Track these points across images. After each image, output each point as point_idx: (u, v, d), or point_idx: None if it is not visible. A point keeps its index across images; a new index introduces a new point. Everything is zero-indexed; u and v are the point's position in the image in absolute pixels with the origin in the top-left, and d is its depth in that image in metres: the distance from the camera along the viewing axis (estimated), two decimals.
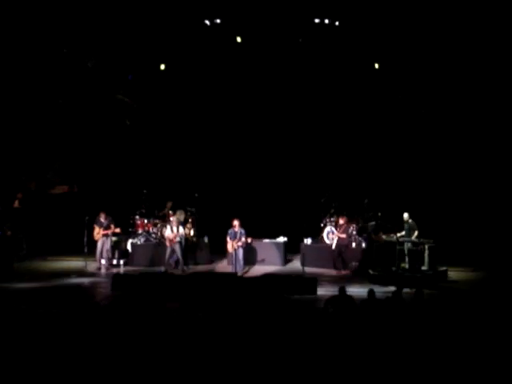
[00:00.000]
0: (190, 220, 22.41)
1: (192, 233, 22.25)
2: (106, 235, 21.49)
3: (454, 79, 21.91)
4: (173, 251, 20.94)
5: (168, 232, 21.03)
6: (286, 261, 22.62)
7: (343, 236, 21.02)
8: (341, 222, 21.20)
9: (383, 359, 11.93)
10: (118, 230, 21.76)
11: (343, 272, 20.89)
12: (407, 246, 20.21)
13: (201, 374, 11.53)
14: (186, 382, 11.35)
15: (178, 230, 20.90)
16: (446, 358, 12.02)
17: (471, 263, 21.29)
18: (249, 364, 11.81)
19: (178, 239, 20.89)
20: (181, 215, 22.22)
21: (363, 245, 21.36)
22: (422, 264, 19.83)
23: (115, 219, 21.75)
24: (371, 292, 14.15)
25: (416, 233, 20.23)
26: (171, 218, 21.42)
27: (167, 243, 20.90)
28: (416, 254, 19.83)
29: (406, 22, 21.12)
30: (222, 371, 11.59)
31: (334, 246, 21.15)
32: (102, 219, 21.48)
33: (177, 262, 21.49)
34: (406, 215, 20.59)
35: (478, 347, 12.42)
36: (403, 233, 20.48)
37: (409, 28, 21.25)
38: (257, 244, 22.24)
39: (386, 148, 23.80)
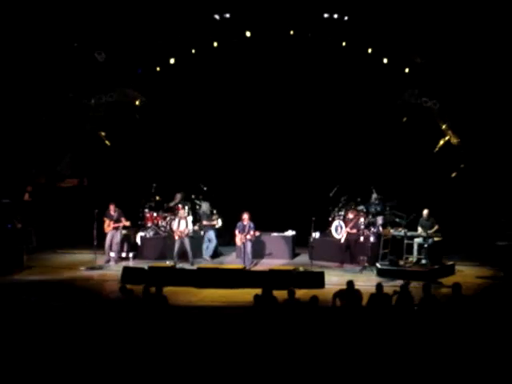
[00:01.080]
0: (215, 211, 22.41)
1: (220, 223, 22.36)
2: (116, 228, 21.59)
3: (464, 72, 21.83)
4: (182, 244, 21.01)
5: (175, 226, 21.13)
6: (295, 254, 22.62)
7: (353, 231, 21.09)
8: (350, 216, 21.28)
9: (390, 353, 12.01)
10: (127, 224, 21.83)
11: (349, 266, 20.94)
12: (425, 240, 20.19)
13: (208, 369, 11.65)
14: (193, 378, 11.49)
15: (187, 224, 20.97)
16: (452, 352, 12.10)
17: (478, 257, 21.35)
18: (255, 358, 11.91)
19: (187, 231, 20.96)
20: (207, 207, 22.25)
21: (371, 239, 21.35)
22: (440, 258, 20.00)
23: (125, 212, 21.81)
24: (379, 286, 14.20)
25: (436, 227, 20.35)
26: (180, 211, 21.47)
27: (176, 236, 20.98)
28: (434, 249, 19.95)
29: (414, 16, 21.07)
30: (228, 366, 11.70)
31: (342, 240, 21.21)
32: (112, 212, 21.53)
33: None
34: (425, 212, 20.68)
35: (484, 342, 12.48)
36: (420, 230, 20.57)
37: (417, 22, 21.20)
38: (265, 237, 22.29)
39: (395, 142, 23.76)
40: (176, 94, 24.81)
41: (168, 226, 22.33)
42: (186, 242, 20.93)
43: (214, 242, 22.01)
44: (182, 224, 20.94)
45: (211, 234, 21.97)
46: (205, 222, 22.00)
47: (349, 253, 21.24)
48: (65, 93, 23.44)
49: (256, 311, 13.77)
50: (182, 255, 21.16)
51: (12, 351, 12.22)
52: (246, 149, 25.13)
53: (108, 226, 21.47)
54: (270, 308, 13.60)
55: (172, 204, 22.98)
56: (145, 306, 13.80)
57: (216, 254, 22.21)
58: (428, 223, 20.52)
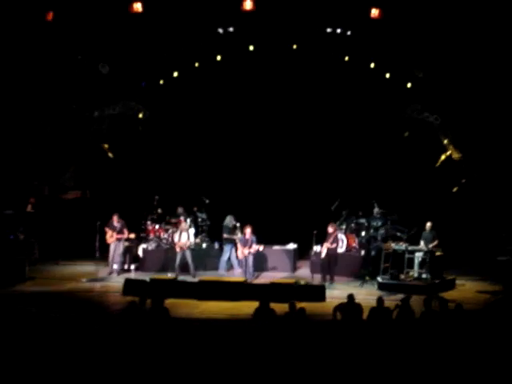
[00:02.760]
0: (238, 225, 22.30)
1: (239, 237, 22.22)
2: (119, 239, 21.64)
3: (466, 87, 21.91)
4: (184, 257, 21.03)
5: (177, 239, 21.16)
6: (296, 267, 22.66)
7: (333, 246, 20.73)
8: (330, 230, 20.78)
9: (391, 367, 12.04)
10: (132, 236, 21.88)
11: (327, 281, 20.42)
12: (426, 255, 20.19)
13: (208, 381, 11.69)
14: None
15: (188, 237, 21.01)
16: (452, 366, 12.13)
17: (479, 272, 21.39)
18: (256, 371, 11.94)
19: (189, 244, 20.97)
20: (231, 221, 22.05)
21: (372, 253, 21.40)
22: (442, 272, 20.07)
23: (127, 224, 21.83)
24: (380, 299, 14.23)
25: (436, 242, 20.40)
26: (182, 224, 21.52)
27: (177, 249, 21.02)
28: (435, 263, 19.99)
29: (416, 31, 21.16)
30: (228, 379, 11.73)
31: (323, 255, 20.72)
32: (115, 223, 21.58)
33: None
34: (428, 224, 20.80)
35: (484, 356, 12.51)
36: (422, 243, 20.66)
37: (419, 37, 21.30)
38: (267, 251, 22.27)
39: (397, 157, 23.84)
40: (179, 107, 24.91)
41: (170, 239, 22.38)
42: (188, 254, 20.95)
43: (227, 255, 21.87)
44: (184, 236, 20.96)
45: (227, 248, 21.76)
46: (225, 236, 21.76)
47: (332, 267, 20.76)
48: (68, 105, 23.49)
49: (254, 324, 13.81)
50: (184, 268, 21.16)
51: (12, 363, 12.23)
52: (248, 162, 25.21)
53: (111, 236, 21.53)
54: (268, 321, 13.63)
55: (174, 220, 23.00)
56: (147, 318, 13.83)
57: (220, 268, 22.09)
58: (429, 236, 20.60)
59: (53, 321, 15.25)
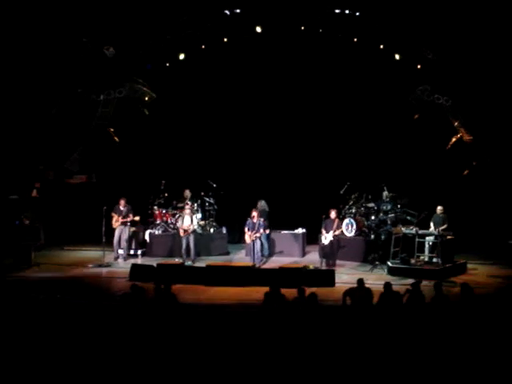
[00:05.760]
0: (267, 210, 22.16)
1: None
2: (124, 224, 21.51)
3: (477, 69, 21.70)
4: (188, 241, 20.86)
5: (180, 222, 21.02)
6: (305, 252, 22.55)
7: (337, 232, 20.51)
8: (333, 215, 20.56)
9: (400, 351, 11.93)
10: (137, 219, 21.80)
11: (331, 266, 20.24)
12: (437, 238, 19.98)
13: (215, 367, 11.57)
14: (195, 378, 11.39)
15: (191, 221, 20.83)
16: (462, 352, 12.01)
17: (490, 256, 21.19)
18: (263, 356, 11.83)
19: (193, 228, 20.78)
20: (264, 205, 22.04)
21: (382, 237, 21.22)
22: (452, 257, 19.88)
23: (134, 209, 21.79)
24: (387, 285, 14.08)
25: (445, 225, 20.18)
26: (186, 207, 21.37)
27: (181, 233, 20.84)
28: (446, 247, 19.74)
29: (426, 12, 20.95)
30: (236, 364, 11.62)
31: (326, 243, 20.39)
32: (122, 207, 21.57)
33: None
34: (439, 208, 20.61)
35: (495, 341, 12.39)
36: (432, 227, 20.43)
37: (429, 18, 21.09)
38: (275, 235, 22.28)
39: (407, 139, 23.64)
40: (185, 89, 24.73)
41: (176, 223, 22.24)
42: (191, 238, 20.81)
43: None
44: (187, 220, 20.81)
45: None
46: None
47: (335, 253, 20.67)
48: (74, 88, 23.33)
49: (264, 309, 13.67)
50: (190, 252, 20.99)
51: (20, 348, 12.19)
52: (255, 145, 25.05)
53: (116, 221, 21.47)
54: (278, 306, 13.49)
55: (181, 205, 22.82)
56: (155, 304, 13.72)
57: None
58: (440, 220, 20.41)
59: (60, 305, 15.15)
